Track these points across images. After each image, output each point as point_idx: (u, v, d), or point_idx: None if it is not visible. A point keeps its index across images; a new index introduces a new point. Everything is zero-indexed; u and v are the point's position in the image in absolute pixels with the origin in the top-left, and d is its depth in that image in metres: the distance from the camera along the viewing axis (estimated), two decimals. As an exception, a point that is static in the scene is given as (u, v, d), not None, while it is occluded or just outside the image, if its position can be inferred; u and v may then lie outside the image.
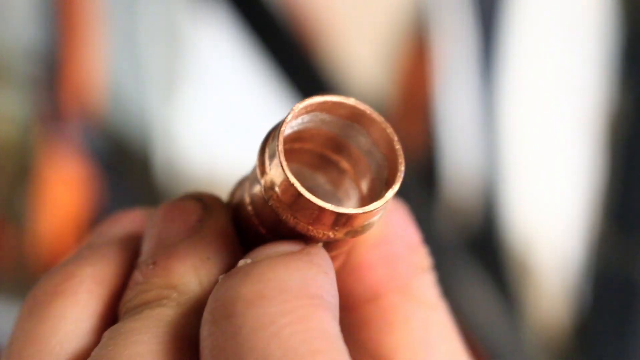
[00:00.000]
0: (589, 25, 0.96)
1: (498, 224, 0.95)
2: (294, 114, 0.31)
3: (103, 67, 0.91)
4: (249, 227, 0.33)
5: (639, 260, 0.93)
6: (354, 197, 0.34)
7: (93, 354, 0.30)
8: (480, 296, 0.90)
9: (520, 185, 0.96)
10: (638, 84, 0.93)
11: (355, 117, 0.32)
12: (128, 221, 0.35)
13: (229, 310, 0.28)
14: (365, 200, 0.33)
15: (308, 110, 0.32)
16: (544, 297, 0.96)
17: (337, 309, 0.30)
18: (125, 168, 0.91)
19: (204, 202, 0.33)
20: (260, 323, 0.27)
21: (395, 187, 0.31)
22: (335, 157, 0.34)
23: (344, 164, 0.34)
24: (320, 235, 0.31)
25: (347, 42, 0.93)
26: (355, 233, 0.31)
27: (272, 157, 0.31)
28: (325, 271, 0.30)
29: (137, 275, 0.32)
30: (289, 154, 0.32)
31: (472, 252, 0.92)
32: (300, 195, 0.30)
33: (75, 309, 0.32)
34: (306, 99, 0.32)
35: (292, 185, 0.30)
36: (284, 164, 0.30)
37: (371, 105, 0.33)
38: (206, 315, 0.29)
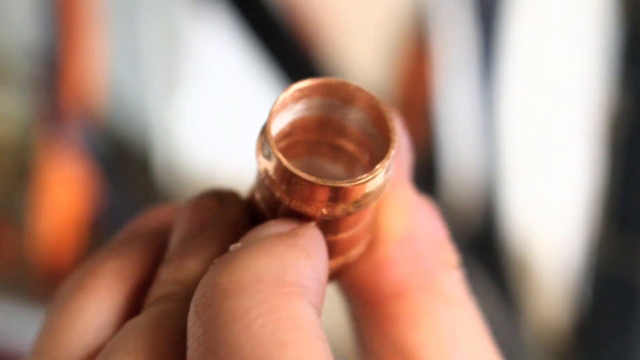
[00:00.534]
0: (589, 26, 0.96)
1: (498, 224, 0.95)
2: (287, 96, 0.31)
3: (103, 67, 0.91)
4: (259, 216, 0.33)
5: (639, 261, 0.93)
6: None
7: (107, 344, 0.30)
8: (480, 296, 0.90)
9: (520, 185, 0.96)
10: (638, 84, 0.93)
11: (346, 98, 0.32)
12: (157, 216, 0.35)
13: (208, 301, 0.28)
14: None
15: (300, 95, 0.32)
16: (543, 298, 0.96)
17: (318, 293, 0.30)
18: (126, 168, 0.91)
19: (221, 197, 0.33)
20: (233, 315, 0.27)
21: (386, 160, 0.31)
22: (340, 141, 0.34)
23: (350, 147, 0.34)
24: (317, 213, 0.31)
25: (348, 42, 0.93)
26: (353, 208, 0.31)
27: (263, 141, 0.31)
28: (308, 254, 0.30)
29: (159, 272, 0.32)
30: (295, 147, 0.33)
31: (472, 252, 0.92)
32: (287, 170, 0.30)
33: (96, 303, 0.32)
34: (294, 84, 0.32)
35: (280, 162, 0.30)
36: (272, 142, 0.30)
37: None
38: (191, 305, 0.29)
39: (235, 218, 0.33)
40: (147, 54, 0.91)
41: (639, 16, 0.93)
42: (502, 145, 0.95)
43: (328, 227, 0.32)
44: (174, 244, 0.33)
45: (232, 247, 0.30)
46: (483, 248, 0.94)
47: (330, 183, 0.30)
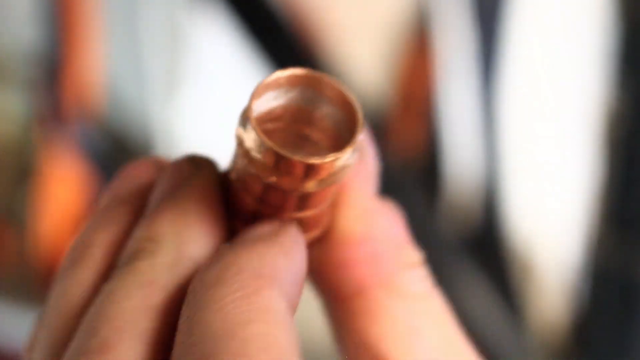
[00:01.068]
0: (588, 26, 0.96)
1: (498, 223, 0.95)
2: (270, 81, 0.34)
3: (103, 67, 0.91)
4: (233, 195, 0.35)
5: (638, 260, 0.93)
6: None
7: (90, 310, 0.33)
8: (481, 296, 0.91)
9: (519, 184, 0.96)
10: (636, 84, 0.93)
11: (313, 85, 0.35)
12: (136, 174, 0.37)
13: (195, 292, 0.31)
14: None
15: (270, 87, 0.35)
16: (544, 297, 0.96)
17: (294, 286, 0.33)
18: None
19: (196, 161, 0.36)
20: (211, 300, 0.31)
21: (353, 144, 0.33)
22: (307, 130, 0.36)
23: (316, 135, 0.36)
24: (290, 186, 0.34)
25: (348, 43, 0.93)
26: (321, 184, 0.34)
27: (243, 119, 0.34)
28: (286, 252, 0.33)
29: (134, 230, 0.35)
30: (266, 133, 0.35)
31: (473, 252, 0.92)
32: (269, 149, 0.33)
33: (91, 275, 0.35)
34: (266, 77, 0.35)
35: (259, 139, 0.33)
36: (254, 122, 0.33)
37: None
38: (185, 299, 0.32)
39: (209, 182, 0.35)
40: (148, 54, 0.91)
41: (637, 15, 0.93)
42: (502, 144, 0.96)
43: (297, 204, 0.35)
44: (151, 204, 0.35)
45: (222, 246, 0.34)
46: (484, 248, 0.94)
47: (304, 159, 0.33)
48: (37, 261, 0.91)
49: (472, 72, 0.94)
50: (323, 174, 0.34)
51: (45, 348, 0.34)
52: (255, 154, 0.34)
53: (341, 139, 0.35)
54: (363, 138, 0.35)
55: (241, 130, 0.34)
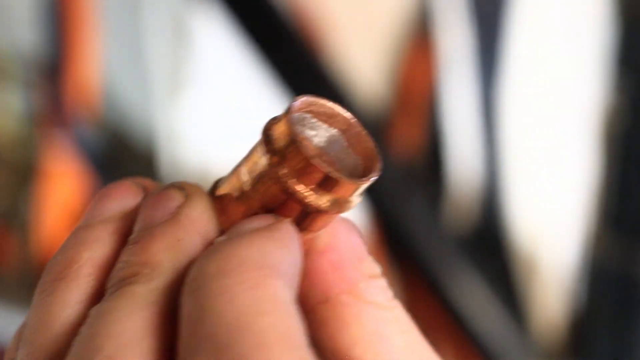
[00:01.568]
0: (588, 26, 0.96)
1: (499, 223, 0.95)
2: (308, 101, 0.35)
3: (105, 67, 0.91)
4: (228, 209, 0.36)
5: (638, 260, 0.93)
6: None
7: (80, 331, 0.33)
8: (483, 296, 0.91)
9: (519, 183, 0.96)
10: (635, 85, 0.94)
11: (347, 134, 0.36)
12: (120, 196, 0.38)
13: (197, 283, 0.32)
14: None
15: (312, 107, 0.35)
16: (544, 297, 0.96)
17: (294, 278, 0.33)
18: (129, 170, 0.91)
19: (186, 190, 0.37)
20: (219, 291, 0.31)
21: (373, 177, 0.34)
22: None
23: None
24: (303, 195, 0.34)
25: (349, 44, 0.93)
26: (333, 205, 0.34)
27: (280, 115, 0.35)
28: (284, 244, 0.34)
29: (122, 255, 0.35)
30: None
31: (473, 251, 0.92)
32: (294, 141, 0.34)
33: (77, 293, 0.35)
34: (304, 98, 0.35)
35: (292, 131, 0.34)
36: (292, 126, 0.34)
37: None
38: (182, 289, 0.33)
39: (201, 210, 0.36)
40: (151, 54, 0.91)
41: (635, 15, 0.93)
42: (502, 144, 0.96)
43: (298, 220, 0.35)
44: (138, 229, 0.36)
45: (217, 239, 0.34)
46: (485, 248, 0.94)
47: (329, 169, 0.34)
48: (40, 265, 0.91)
49: (472, 72, 0.94)
50: (340, 192, 0.34)
51: None
52: (284, 148, 0.34)
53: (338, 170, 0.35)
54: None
55: (273, 125, 0.34)
